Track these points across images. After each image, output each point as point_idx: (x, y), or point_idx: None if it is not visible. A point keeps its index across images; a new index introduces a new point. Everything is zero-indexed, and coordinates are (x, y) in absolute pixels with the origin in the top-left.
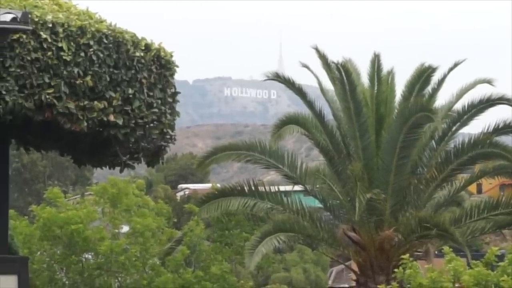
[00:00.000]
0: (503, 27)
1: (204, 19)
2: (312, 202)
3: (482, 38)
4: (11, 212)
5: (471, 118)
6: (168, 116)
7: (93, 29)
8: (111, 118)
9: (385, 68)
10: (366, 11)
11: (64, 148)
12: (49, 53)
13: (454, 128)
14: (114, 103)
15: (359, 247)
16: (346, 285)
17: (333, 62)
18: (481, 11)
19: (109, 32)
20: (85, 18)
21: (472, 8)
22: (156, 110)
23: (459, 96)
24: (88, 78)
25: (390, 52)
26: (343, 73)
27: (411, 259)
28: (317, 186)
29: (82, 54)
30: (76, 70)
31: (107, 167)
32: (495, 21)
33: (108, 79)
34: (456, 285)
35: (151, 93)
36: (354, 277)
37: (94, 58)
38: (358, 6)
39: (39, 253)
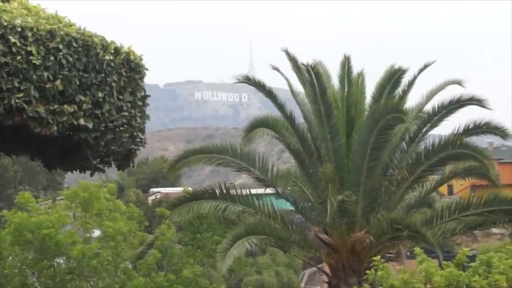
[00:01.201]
0: (475, 29)
1: (174, 21)
2: (284, 205)
3: (453, 39)
4: None
5: (441, 119)
6: (138, 120)
7: (62, 33)
8: (81, 121)
9: (356, 70)
10: (337, 13)
11: (34, 152)
12: (19, 57)
13: (424, 129)
14: (84, 106)
15: (331, 249)
16: (318, 287)
17: (303, 64)
18: (453, 14)
19: (79, 35)
20: (54, 22)
21: (444, 10)
22: (126, 113)
23: (430, 97)
24: (58, 82)
25: (362, 54)
26: (313, 75)
27: (382, 260)
28: (289, 188)
29: (52, 58)
30: (45, 74)
31: (78, 171)
32: (466, 23)
33: (77, 82)
34: (428, 286)
35: (121, 97)
36: (326, 279)
37: (64, 62)
38: (328, 9)
39: (10, 258)
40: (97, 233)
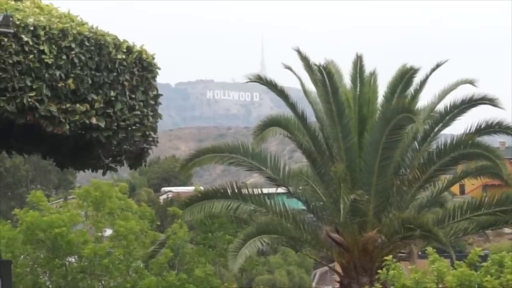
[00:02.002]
0: (487, 27)
1: (186, 21)
2: (295, 204)
3: (466, 38)
4: None
5: (453, 118)
6: (151, 119)
7: (74, 31)
8: (93, 120)
9: (368, 69)
10: (349, 11)
11: (46, 151)
12: (31, 56)
13: (436, 129)
14: (96, 105)
15: (343, 248)
16: (330, 287)
17: (315, 64)
18: (465, 12)
19: (91, 34)
20: (67, 20)
21: (456, 8)
22: (138, 112)
23: (442, 97)
24: (70, 81)
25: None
26: (325, 75)
27: (394, 260)
28: (300, 188)
29: (64, 57)
30: (58, 73)
31: (90, 170)
32: (478, 22)
33: (90, 81)
34: (440, 285)
35: (133, 96)
36: (337, 278)
37: (76, 60)
38: (341, 7)
39: (22, 257)
40: (108, 232)
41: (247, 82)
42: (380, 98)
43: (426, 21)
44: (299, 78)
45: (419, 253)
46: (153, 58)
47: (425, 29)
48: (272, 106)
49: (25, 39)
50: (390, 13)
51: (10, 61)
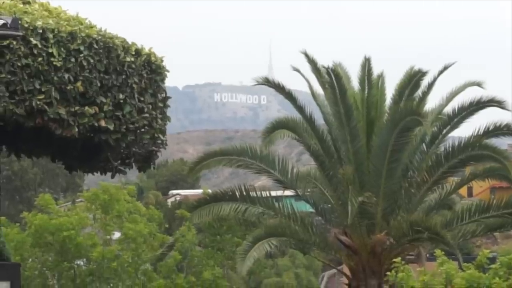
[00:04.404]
0: (493, 30)
1: (193, 24)
2: (304, 207)
3: (472, 41)
4: (2, 219)
5: (461, 121)
6: (159, 121)
7: (83, 34)
8: (102, 123)
9: (375, 71)
10: (356, 16)
11: (55, 154)
12: (40, 59)
13: (444, 131)
14: (105, 108)
15: (351, 251)
16: None
17: (323, 67)
18: (470, 17)
19: (99, 37)
20: (75, 23)
21: (462, 13)
22: (147, 115)
23: (449, 99)
24: (79, 83)
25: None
26: (333, 77)
27: (403, 262)
28: (309, 190)
29: (73, 59)
30: (66, 75)
31: (99, 172)
32: (484, 25)
33: (98, 84)
34: (448, 287)
35: (142, 98)
36: (346, 281)
37: (85, 63)
38: (349, 11)
39: (31, 260)
40: (117, 235)
41: (254, 85)
42: (388, 101)
43: (435, 24)
44: (307, 81)
45: (428, 255)
46: (162, 61)
47: (433, 32)
48: (280, 109)
49: (34, 42)
50: (397, 12)
51: (19, 64)
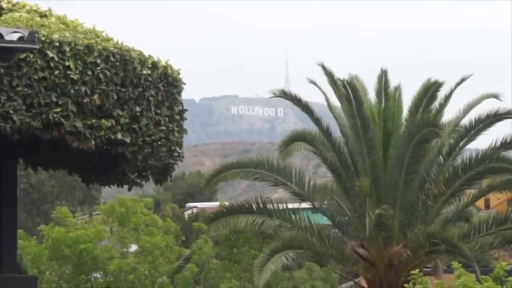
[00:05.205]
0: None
1: (210, 38)
2: (321, 219)
3: (489, 53)
4: (20, 232)
5: (478, 133)
6: (176, 134)
7: (100, 47)
8: (119, 136)
9: (392, 83)
10: (374, 23)
11: (72, 167)
12: (56, 72)
13: (461, 143)
14: (122, 121)
15: (368, 263)
16: None
17: (339, 79)
18: (487, 26)
19: (116, 50)
20: (92, 36)
21: (478, 22)
22: (163, 127)
23: (466, 111)
24: (96, 96)
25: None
26: (349, 90)
27: (420, 274)
28: (325, 203)
29: (89, 72)
30: (83, 88)
31: (115, 185)
32: (501, 36)
33: (115, 97)
34: None
35: (158, 111)
36: None
37: (101, 76)
38: (367, 18)
39: (48, 272)
40: (134, 247)
41: (271, 97)
42: (405, 113)
43: (452, 37)
44: (324, 93)
45: (445, 267)
46: (179, 74)
47: (450, 45)
48: (297, 121)
49: (51, 55)
50: (414, 25)
51: (36, 77)
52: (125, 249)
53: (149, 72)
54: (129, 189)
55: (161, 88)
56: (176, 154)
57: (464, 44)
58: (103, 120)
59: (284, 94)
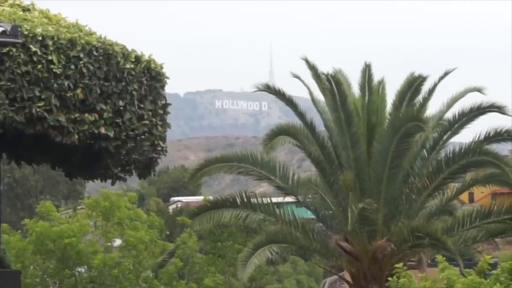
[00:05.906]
0: (492, 35)
1: (194, 31)
2: (305, 213)
3: (473, 46)
4: (4, 226)
5: (462, 126)
6: (159, 128)
7: (83, 41)
8: (102, 130)
9: (376, 77)
10: (358, 21)
11: (55, 161)
12: (39, 66)
13: (445, 137)
14: (105, 115)
15: (352, 257)
16: None
17: (323, 73)
18: (472, 20)
19: (99, 44)
20: (75, 30)
21: (463, 17)
22: (147, 122)
23: (450, 105)
24: (79, 90)
25: (381, 62)
26: (333, 84)
27: (405, 268)
28: (309, 196)
29: (72, 66)
30: (66, 83)
31: (99, 179)
32: (484, 31)
33: (98, 91)
34: None
35: (141, 105)
36: (347, 287)
37: (85, 70)
38: (350, 17)
39: (32, 267)
40: (118, 242)
41: (255, 91)
42: (389, 107)
43: (437, 29)
44: (308, 87)
45: (429, 261)
46: (162, 68)
47: (434, 36)
48: (281, 115)
49: (34, 49)
50: (399, 18)
51: (19, 71)
52: (109, 244)
53: (132, 66)
54: (113, 183)
55: (145, 82)
56: (159, 148)
57: (451, 40)
58: (86, 114)
59: (268, 88)
